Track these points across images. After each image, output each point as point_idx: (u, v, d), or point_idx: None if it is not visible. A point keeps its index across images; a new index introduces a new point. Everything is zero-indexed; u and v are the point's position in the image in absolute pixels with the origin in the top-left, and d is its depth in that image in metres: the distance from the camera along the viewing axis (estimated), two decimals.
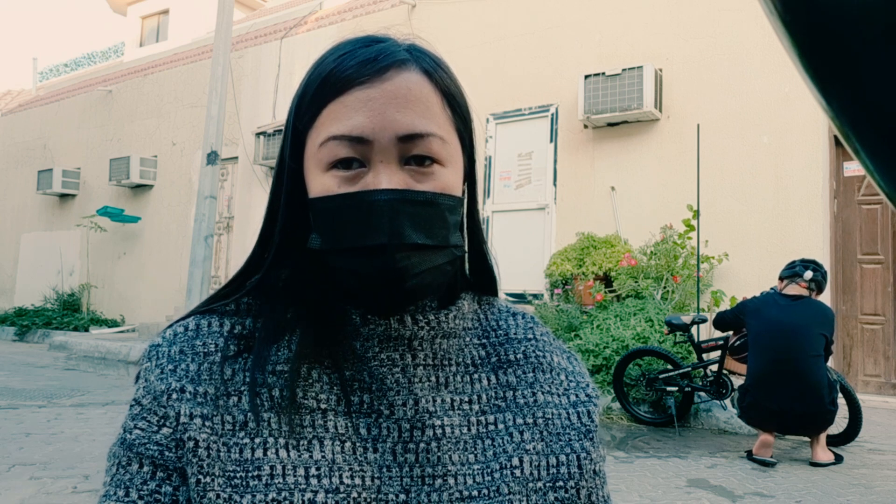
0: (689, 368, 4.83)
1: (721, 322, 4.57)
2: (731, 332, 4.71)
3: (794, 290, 4.16)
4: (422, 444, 0.63)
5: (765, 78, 6.27)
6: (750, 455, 4.10)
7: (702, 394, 4.93)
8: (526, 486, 0.64)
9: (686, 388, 4.83)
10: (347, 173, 0.61)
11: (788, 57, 0.42)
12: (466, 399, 0.66)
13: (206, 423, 0.60)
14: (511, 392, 0.68)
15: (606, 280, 6.50)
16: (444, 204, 0.62)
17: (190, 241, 8.06)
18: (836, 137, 6.02)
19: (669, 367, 4.92)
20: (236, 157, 10.10)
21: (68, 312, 11.39)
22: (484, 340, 0.71)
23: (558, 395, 0.70)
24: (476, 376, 0.68)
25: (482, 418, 0.66)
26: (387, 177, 0.60)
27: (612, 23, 7.22)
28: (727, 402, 4.84)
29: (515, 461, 0.65)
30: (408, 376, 0.64)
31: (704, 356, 4.88)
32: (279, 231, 0.67)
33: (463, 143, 0.67)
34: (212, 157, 7.44)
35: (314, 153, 0.63)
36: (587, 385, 0.72)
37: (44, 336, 10.50)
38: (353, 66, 0.62)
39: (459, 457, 0.64)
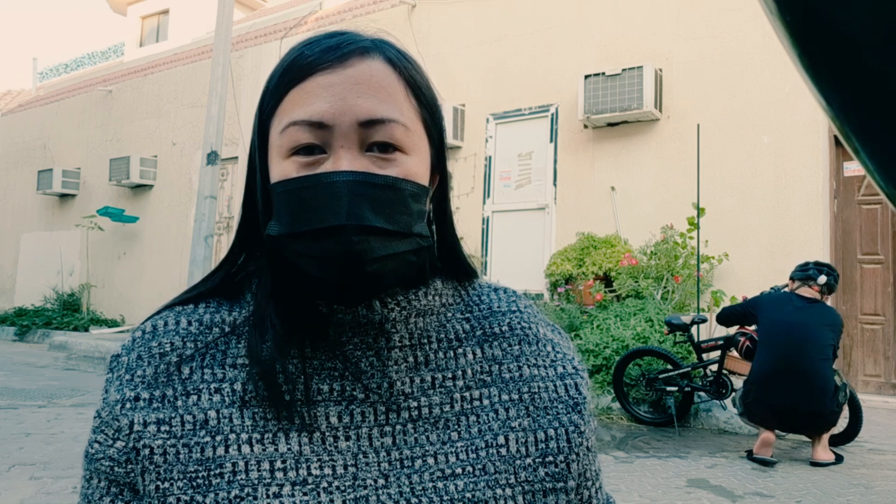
0: (689, 368, 4.83)
1: (728, 316, 4.56)
2: (732, 331, 4.72)
3: (806, 292, 4.19)
4: (398, 427, 0.62)
5: (765, 78, 6.26)
6: (750, 455, 4.10)
7: (702, 394, 4.93)
8: (513, 464, 0.63)
9: (686, 388, 4.83)
10: (307, 159, 0.60)
11: (788, 57, 0.42)
12: (450, 375, 0.65)
13: (163, 428, 0.59)
14: (496, 366, 0.67)
15: (606, 280, 6.50)
16: (406, 189, 0.60)
17: (190, 241, 8.06)
18: (836, 137, 6.02)
19: (669, 367, 4.92)
20: (236, 157, 10.11)
21: (68, 312, 11.38)
22: (468, 314, 0.70)
23: (545, 368, 0.68)
24: (460, 351, 0.67)
25: (466, 394, 0.65)
26: (347, 161, 0.59)
27: (612, 23, 7.21)
28: (727, 401, 4.84)
29: (501, 439, 0.63)
30: (382, 359, 0.63)
31: (704, 356, 4.88)
32: (251, 224, 0.67)
33: (430, 135, 0.66)
34: (212, 157, 7.44)
35: (276, 140, 0.62)
36: (573, 358, 0.71)
37: (44, 336, 10.50)
38: (316, 53, 0.61)
39: (439, 436, 0.62)
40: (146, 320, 0.66)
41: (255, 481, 0.57)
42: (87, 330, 10.63)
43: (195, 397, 0.60)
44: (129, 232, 11.41)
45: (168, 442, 0.58)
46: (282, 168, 0.61)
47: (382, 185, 0.59)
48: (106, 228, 11.38)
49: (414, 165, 0.62)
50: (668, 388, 4.87)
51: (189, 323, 0.64)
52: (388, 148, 0.60)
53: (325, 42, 0.62)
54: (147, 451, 0.58)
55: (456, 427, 0.63)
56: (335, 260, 0.58)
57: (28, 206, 13.37)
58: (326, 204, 0.58)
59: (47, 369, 7.57)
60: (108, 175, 11.35)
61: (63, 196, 12.62)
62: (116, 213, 10.92)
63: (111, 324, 11.02)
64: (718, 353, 4.80)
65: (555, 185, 7.42)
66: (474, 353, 0.67)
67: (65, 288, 12.04)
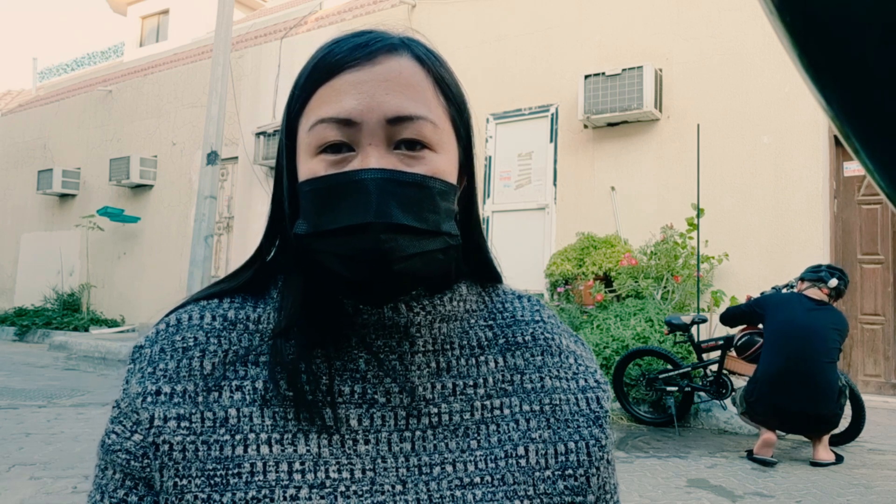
0: (689, 368, 4.83)
1: (733, 316, 4.55)
2: (733, 332, 4.71)
3: (815, 294, 4.18)
4: (417, 433, 0.61)
5: (765, 78, 6.27)
6: (750, 455, 4.10)
7: (702, 394, 4.93)
8: (532, 476, 0.62)
9: (686, 388, 4.83)
10: (335, 157, 0.60)
11: (788, 57, 0.42)
12: (471, 383, 0.65)
13: (183, 424, 0.58)
14: (518, 376, 0.66)
15: (606, 280, 6.50)
16: (434, 187, 0.60)
17: (190, 241, 8.06)
18: (836, 137, 6.02)
19: (669, 367, 4.92)
20: (236, 157, 10.10)
21: (68, 312, 11.38)
22: (490, 322, 0.69)
23: (567, 380, 0.67)
24: (483, 359, 0.66)
25: (487, 402, 0.64)
26: (375, 159, 0.58)
27: (612, 23, 7.22)
28: (727, 402, 4.84)
29: (521, 450, 0.63)
30: (405, 363, 0.62)
31: (704, 356, 4.88)
32: (278, 223, 0.67)
33: (458, 134, 0.65)
34: (212, 157, 7.44)
35: (304, 138, 0.61)
36: (595, 371, 0.70)
37: (44, 336, 10.50)
38: (344, 50, 0.61)
39: (458, 443, 0.62)
40: (170, 313, 0.65)
41: (273, 483, 0.57)
42: (87, 330, 10.63)
43: (216, 394, 0.60)
44: (129, 232, 11.41)
45: (188, 438, 0.58)
46: (309, 166, 0.61)
47: (410, 183, 0.58)
48: (106, 228, 11.38)
49: (442, 163, 0.61)
50: (668, 388, 4.87)
51: (213, 318, 0.63)
52: (416, 145, 0.60)
53: (354, 40, 0.62)
54: (166, 447, 0.58)
55: (476, 436, 0.63)
56: (362, 258, 0.57)
57: (28, 206, 13.37)
58: (354, 202, 0.57)
59: (47, 369, 7.57)
60: (108, 175, 11.35)
61: (63, 196, 12.62)
62: (116, 213, 10.92)
63: (111, 324, 11.02)
64: (718, 353, 4.80)
65: (555, 185, 7.42)
66: (496, 362, 0.67)
67: (65, 288, 12.04)
